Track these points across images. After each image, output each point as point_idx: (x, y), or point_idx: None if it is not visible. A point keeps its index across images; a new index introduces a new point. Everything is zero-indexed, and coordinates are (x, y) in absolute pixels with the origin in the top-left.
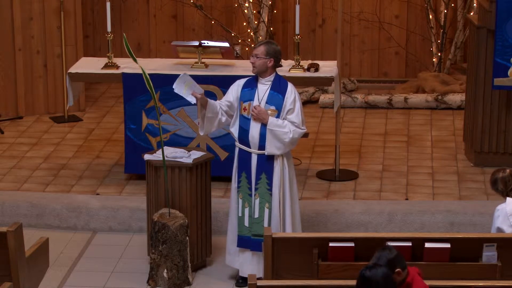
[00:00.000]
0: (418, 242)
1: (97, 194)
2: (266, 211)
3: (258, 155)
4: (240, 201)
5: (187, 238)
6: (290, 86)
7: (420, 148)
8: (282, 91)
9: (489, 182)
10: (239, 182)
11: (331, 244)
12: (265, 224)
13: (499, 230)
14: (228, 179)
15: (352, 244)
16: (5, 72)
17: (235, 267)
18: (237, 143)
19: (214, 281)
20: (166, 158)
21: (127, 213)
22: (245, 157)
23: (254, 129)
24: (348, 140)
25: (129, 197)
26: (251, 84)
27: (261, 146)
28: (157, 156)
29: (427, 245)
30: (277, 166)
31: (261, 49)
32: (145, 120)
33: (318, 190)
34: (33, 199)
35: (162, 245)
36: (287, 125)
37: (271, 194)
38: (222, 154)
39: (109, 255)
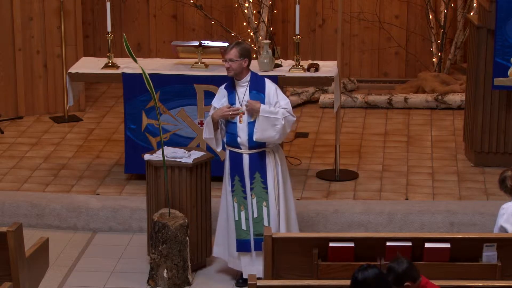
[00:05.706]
0: (418, 242)
1: (97, 194)
2: (265, 209)
3: (250, 154)
4: (236, 204)
5: (187, 238)
6: (267, 81)
7: (420, 148)
8: (261, 89)
9: (497, 182)
10: (232, 186)
11: (331, 244)
12: (265, 223)
13: (503, 228)
14: None
15: (352, 244)
16: (5, 72)
17: (237, 269)
18: (226, 146)
19: (214, 281)
20: (166, 158)
21: (127, 213)
22: (236, 158)
23: (242, 132)
24: (348, 140)
25: (129, 197)
26: (229, 89)
27: (251, 146)
28: (157, 156)
29: (427, 245)
30: (269, 163)
31: (234, 52)
32: (145, 120)
33: (318, 190)
34: (33, 199)
35: (162, 245)
36: (280, 111)
37: (267, 193)
38: (222, 154)
39: (109, 255)
